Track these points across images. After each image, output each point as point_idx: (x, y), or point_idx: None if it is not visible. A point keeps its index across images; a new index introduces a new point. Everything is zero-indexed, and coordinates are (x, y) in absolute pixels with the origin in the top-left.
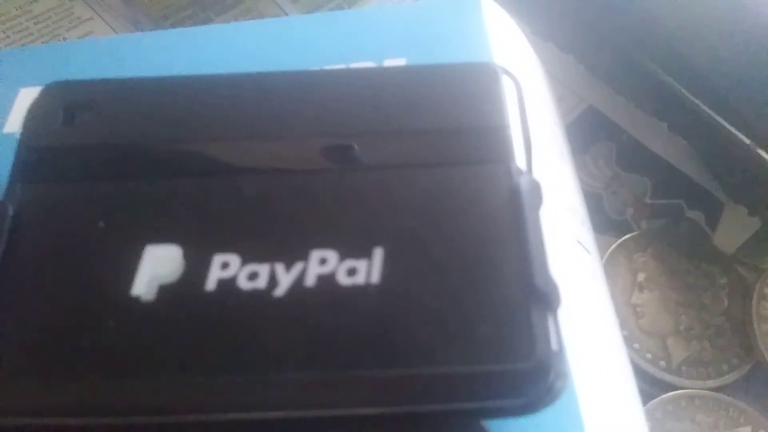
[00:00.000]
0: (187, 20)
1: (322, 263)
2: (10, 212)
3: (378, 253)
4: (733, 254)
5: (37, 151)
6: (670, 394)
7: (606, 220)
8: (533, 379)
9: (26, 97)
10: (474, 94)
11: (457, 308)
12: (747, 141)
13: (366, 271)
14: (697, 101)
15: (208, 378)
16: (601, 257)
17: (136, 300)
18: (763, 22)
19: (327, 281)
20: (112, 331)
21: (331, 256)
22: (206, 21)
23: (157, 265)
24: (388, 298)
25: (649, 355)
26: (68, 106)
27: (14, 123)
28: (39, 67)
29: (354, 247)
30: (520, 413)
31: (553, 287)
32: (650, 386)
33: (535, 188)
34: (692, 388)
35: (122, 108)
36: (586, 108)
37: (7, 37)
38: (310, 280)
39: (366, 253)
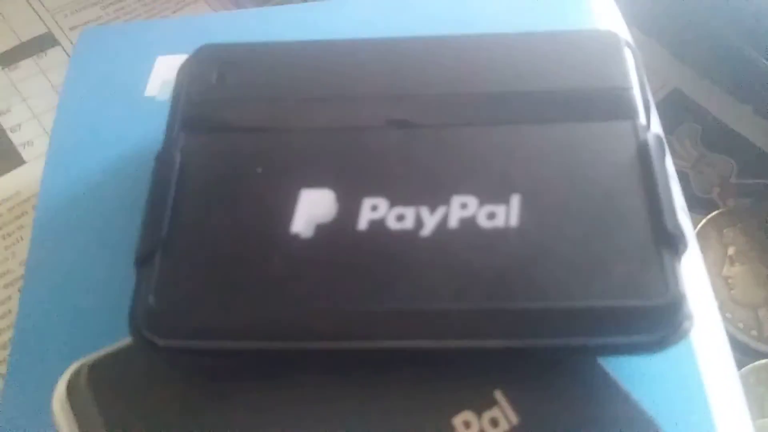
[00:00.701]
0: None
1: (463, 207)
2: (177, 158)
3: (516, 199)
4: None
5: (196, 105)
6: (762, 361)
7: (693, 198)
8: (666, 316)
9: (163, 64)
10: (601, 58)
11: (591, 249)
12: None
13: (505, 215)
14: None
15: (364, 308)
16: (694, 232)
17: (296, 237)
18: None
19: (468, 223)
20: (276, 265)
21: (472, 201)
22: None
23: (313, 207)
24: (527, 240)
25: (741, 325)
26: (220, 66)
27: (153, 88)
28: (172, 38)
29: (493, 193)
30: (652, 350)
31: (681, 232)
32: (742, 354)
33: (660, 142)
34: None
35: (267, 68)
36: (672, 90)
37: (118, 17)
38: (453, 223)
39: (504, 199)
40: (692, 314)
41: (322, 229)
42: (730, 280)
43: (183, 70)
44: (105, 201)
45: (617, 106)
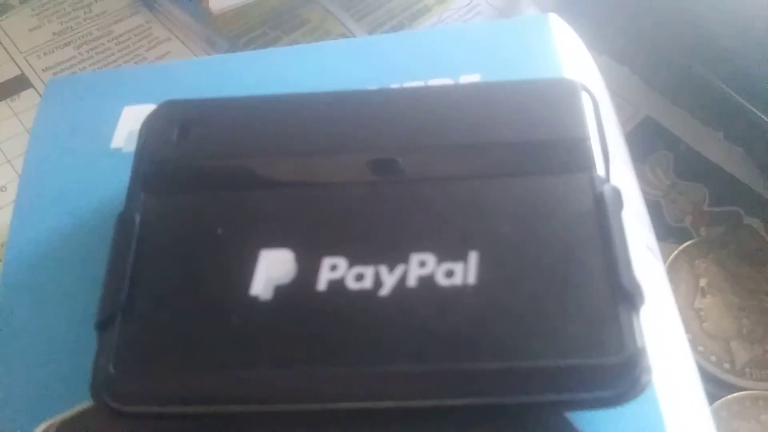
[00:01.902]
0: (258, 39)
1: (421, 265)
2: (137, 221)
3: (473, 256)
4: None
5: (156, 164)
6: (735, 394)
7: (665, 228)
8: (622, 373)
9: (129, 114)
10: (557, 108)
11: (549, 306)
12: None
13: (463, 272)
14: (753, 109)
15: (321, 370)
16: (663, 263)
17: (255, 299)
18: None
19: (427, 282)
20: (233, 327)
21: (430, 259)
22: (276, 40)
23: (272, 268)
24: (485, 298)
25: (713, 358)
26: (182, 123)
27: (120, 139)
28: (139, 87)
29: (451, 251)
30: (609, 405)
31: (638, 287)
32: (715, 387)
33: (617, 195)
34: (756, 389)
35: (227, 125)
36: (643, 118)
37: (91, 57)
38: (411, 281)
39: (462, 257)
40: (650, 368)
41: (281, 291)
42: (701, 313)
43: (144, 127)
44: (70, 258)
45: (574, 159)
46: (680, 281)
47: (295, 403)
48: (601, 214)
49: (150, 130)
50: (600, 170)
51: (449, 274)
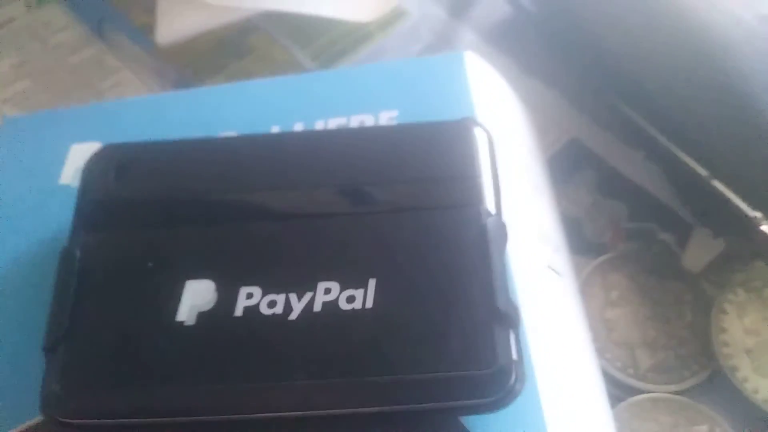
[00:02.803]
0: (206, 67)
1: (326, 293)
2: (78, 255)
3: (372, 284)
4: (699, 272)
5: (95, 204)
6: (637, 397)
7: (586, 243)
8: (496, 382)
9: (77, 152)
10: (450, 149)
11: (434, 327)
12: (704, 173)
13: (362, 298)
14: (663, 138)
15: (238, 384)
16: (580, 277)
17: (180, 324)
18: (719, 78)
19: (331, 307)
20: (162, 349)
21: (334, 286)
22: (224, 66)
23: (196, 297)
24: (379, 320)
25: (618, 364)
26: (119, 165)
27: (68, 175)
28: (85, 126)
29: (352, 279)
30: (487, 410)
31: (514, 309)
32: (619, 391)
33: (501, 227)
34: (656, 392)
35: (164, 166)
36: (570, 140)
37: (48, 88)
38: (317, 306)
39: (362, 284)
40: (524, 377)
41: (203, 317)
42: (610, 323)
43: (86, 168)
44: (21, 287)
45: (462, 194)
46: (593, 294)
47: (215, 414)
48: (484, 245)
49: (90, 171)
50: (489, 204)
51: (350, 299)
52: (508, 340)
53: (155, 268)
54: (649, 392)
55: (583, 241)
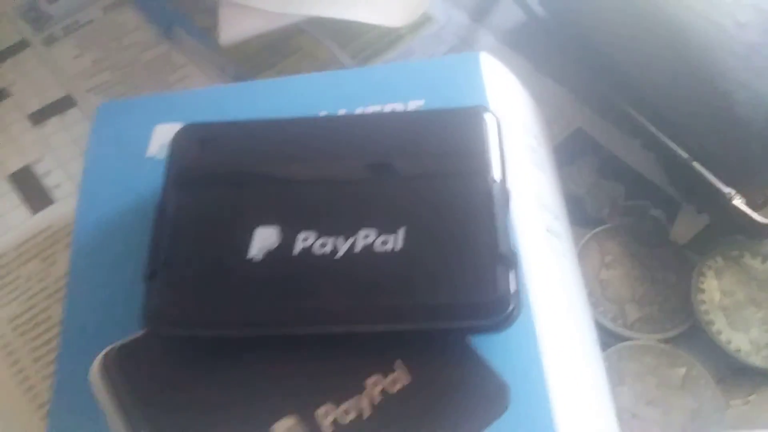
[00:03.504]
0: (261, 63)
1: (365, 237)
2: (169, 207)
3: (401, 231)
4: (685, 244)
5: (181, 168)
6: (624, 343)
7: (586, 217)
8: (497, 308)
9: (159, 131)
10: (465, 129)
11: (449, 265)
12: (686, 155)
13: (393, 242)
14: (653, 127)
15: (295, 305)
16: (579, 243)
17: (251, 260)
18: (702, 76)
19: (368, 248)
20: (236, 278)
21: (372, 232)
22: (275, 63)
23: (263, 239)
24: (406, 259)
25: (610, 316)
26: (200, 138)
27: (153, 149)
28: (166, 111)
29: (386, 227)
30: (492, 330)
31: (513, 254)
32: (610, 338)
33: (505, 192)
34: (642, 340)
35: (235, 140)
36: (576, 129)
37: (124, 80)
38: (357, 248)
39: (394, 231)
40: (520, 306)
41: (269, 255)
42: (603, 282)
43: (173, 142)
44: (121, 234)
45: (475, 164)
46: (590, 258)
47: (276, 327)
48: (490, 204)
49: (177, 143)
50: (495, 173)
51: (384, 243)
52: (508, 277)
53: (231, 217)
54: (635, 340)
55: (584, 215)
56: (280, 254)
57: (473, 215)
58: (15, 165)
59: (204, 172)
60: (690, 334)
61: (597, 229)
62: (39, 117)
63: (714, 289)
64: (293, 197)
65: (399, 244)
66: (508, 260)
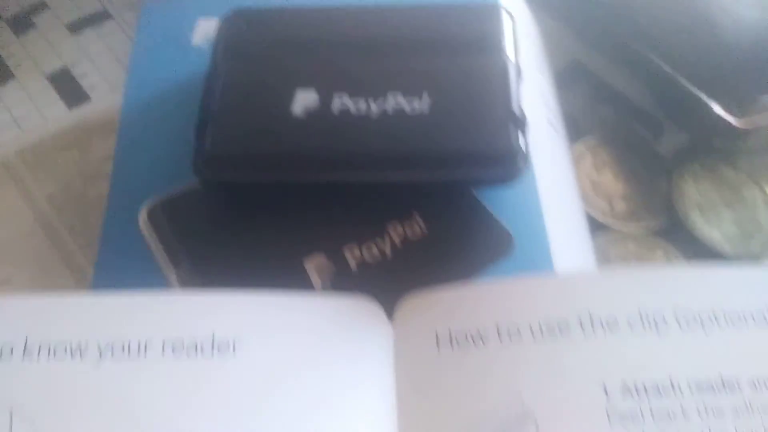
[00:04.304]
0: None
1: (395, 99)
2: (218, 74)
3: (425, 95)
4: (669, 157)
5: (230, 43)
6: (612, 231)
7: (580, 132)
8: (509, 159)
9: (203, 24)
10: (485, 19)
11: (469, 123)
12: (672, 72)
13: (419, 103)
14: (646, 51)
15: (335, 153)
16: (574, 151)
17: (294, 115)
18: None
19: (398, 109)
20: (280, 132)
21: (400, 96)
22: None
23: (304, 99)
24: (432, 118)
25: (599, 209)
26: (245, 19)
27: (198, 38)
28: (207, 5)
29: (412, 91)
30: (503, 180)
31: (523, 114)
32: (598, 228)
33: (518, 68)
34: (626, 230)
35: (277, 21)
36: (572, 60)
37: None
38: (389, 109)
39: (419, 94)
40: (526, 162)
41: (309, 112)
42: (594, 182)
43: (221, 22)
44: (172, 97)
45: (494, 45)
46: (582, 163)
47: (321, 174)
48: (506, 76)
49: (225, 24)
50: (510, 54)
51: (410, 103)
52: (518, 135)
53: (275, 80)
54: (620, 229)
55: (577, 132)
56: (319, 112)
57: (490, 82)
58: (53, 66)
59: (249, 45)
60: (669, 227)
61: (590, 138)
62: (76, 27)
63: (692, 190)
64: (328, 65)
65: (425, 107)
66: (520, 121)
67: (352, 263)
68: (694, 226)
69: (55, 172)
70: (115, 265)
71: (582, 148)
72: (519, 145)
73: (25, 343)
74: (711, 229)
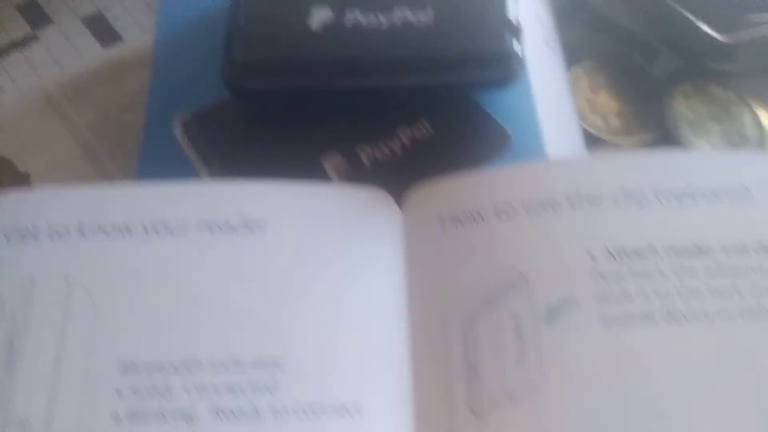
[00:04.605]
0: None
1: (401, 12)
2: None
3: (429, 7)
4: (661, 79)
5: None
6: (608, 146)
7: (576, 58)
8: (505, 61)
9: None
10: None
11: (471, 29)
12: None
13: (425, 16)
14: None
15: (350, 61)
16: (571, 75)
17: (311, 28)
18: None
19: (406, 21)
20: (300, 44)
21: (406, 9)
22: None
23: (319, 15)
24: (437, 27)
25: (595, 125)
26: None
27: None
28: None
29: (418, 4)
30: (499, 83)
31: (518, 23)
32: (594, 143)
33: None
34: (620, 143)
35: None
36: None
37: None
38: (397, 21)
39: (423, 7)
40: (521, 66)
41: (325, 25)
42: (590, 101)
43: None
44: (200, 28)
45: None
46: (579, 85)
47: (338, 79)
48: None
49: None
50: None
51: (416, 16)
52: (512, 40)
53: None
54: (614, 143)
55: (574, 57)
56: (334, 25)
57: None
58: (87, 11)
59: None
60: (661, 142)
61: (585, 61)
62: None
63: (683, 107)
64: None
65: (429, 17)
66: (515, 28)
67: (365, 160)
68: (684, 139)
69: (94, 103)
70: (155, 168)
71: (579, 71)
72: (514, 50)
73: (79, 225)
74: (700, 142)
